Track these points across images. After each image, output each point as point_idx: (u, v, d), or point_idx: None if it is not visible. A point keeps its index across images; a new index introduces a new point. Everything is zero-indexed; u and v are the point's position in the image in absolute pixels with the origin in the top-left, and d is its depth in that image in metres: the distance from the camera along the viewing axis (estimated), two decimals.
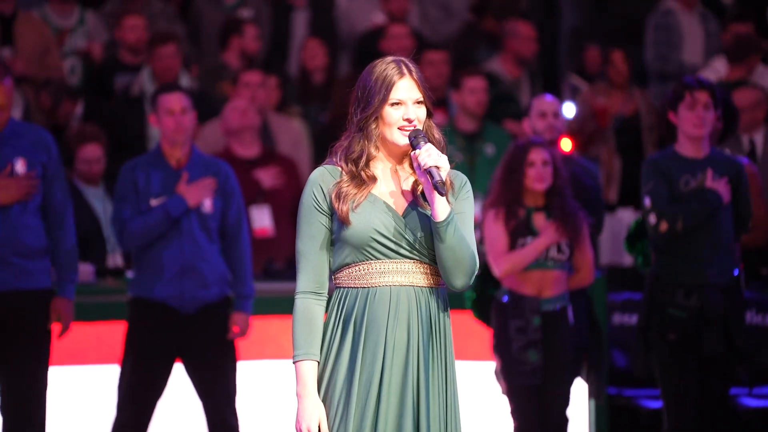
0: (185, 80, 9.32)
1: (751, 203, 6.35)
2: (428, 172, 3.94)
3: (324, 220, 4.05)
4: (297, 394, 4.02)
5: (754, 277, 7.81)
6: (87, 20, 9.96)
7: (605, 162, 9.45)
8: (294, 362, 4.04)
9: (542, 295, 6.30)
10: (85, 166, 7.95)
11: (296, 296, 4.08)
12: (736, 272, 6.25)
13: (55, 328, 6.12)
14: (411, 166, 4.07)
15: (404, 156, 4.08)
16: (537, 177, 6.32)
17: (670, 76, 10.28)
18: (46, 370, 6.05)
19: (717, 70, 9.54)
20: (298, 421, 4.01)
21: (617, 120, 9.88)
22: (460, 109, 9.11)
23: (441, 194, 3.93)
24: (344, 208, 4.00)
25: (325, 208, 4.05)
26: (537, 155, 6.33)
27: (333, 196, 4.02)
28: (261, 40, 9.96)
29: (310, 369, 4.02)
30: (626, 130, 9.87)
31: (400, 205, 4.05)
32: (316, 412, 4.00)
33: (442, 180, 3.93)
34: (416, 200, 4.05)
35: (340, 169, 4.06)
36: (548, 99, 6.99)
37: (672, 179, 6.20)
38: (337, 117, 9.17)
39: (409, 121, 4.02)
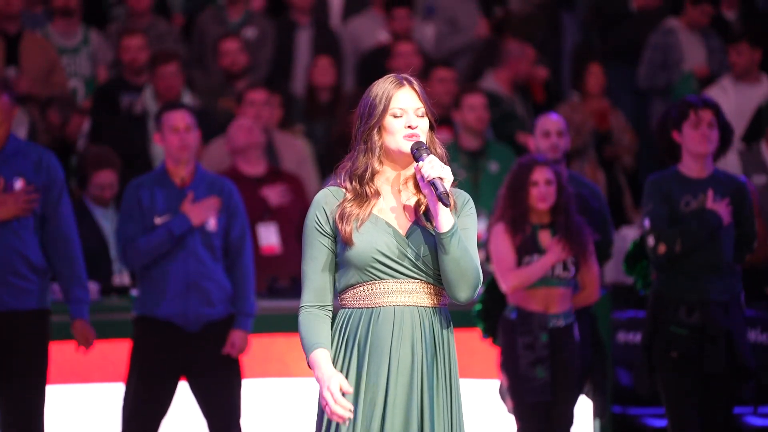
0: (187, 98, 9.35)
1: (755, 223, 6.34)
2: (432, 183, 3.95)
3: (327, 242, 4.06)
4: (316, 379, 4.00)
5: (760, 297, 7.81)
6: (91, 40, 9.98)
7: (589, 176, 9.47)
8: (307, 358, 4.03)
9: (549, 311, 6.31)
10: (98, 191, 7.98)
11: (300, 311, 4.09)
12: (739, 290, 6.25)
13: (70, 346, 6.15)
14: (415, 185, 4.08)
15: (408, 165, 4.08)
16: (540, 197, 6.32)
17: (661, 94, 10.34)
18: (44, 390, 6.04)
19: (725, 88, 9.56)
20: (321, 396, 3.97)
21: (594, 135, 9.94)
22: (463, 127, 9.13)
23: (445, 205, 3.94)
24: (347, 229, 4.01)
25: (328, 230, 4.06)
26: (540, 175, 6.33)
27: (336, 217, 4.03)
28: (247, 53, 9.99)
29: (322, 354, 4.01)
30: (602, 147, 9.93)
31: (403, 224, 4.06)
32: (335, 377, 3.97)
33: (446, 191, 3.94)
34: (419, 220, 4.06)
35: (344, 190, 4.07)
36: (553, 118, 6.92)
37: (673, 200, 6.21)
38: (342, 135, 9.20)
39: (412, 127, 4.03)
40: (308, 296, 4.08)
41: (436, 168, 3.95)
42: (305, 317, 4.08)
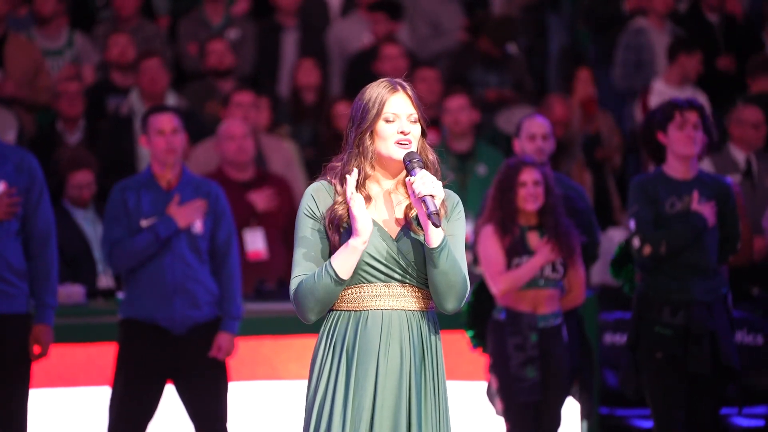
0: (172, 99, 9.34)
1: (739, 224, 6.36)
2: (422, 200, 3.94)
3: (318, 227, 4.03)
4: (355, 231, 3.95)
5: (745, 297, 7.82)
6: (75, 42, 9.97)
7: (576, 177, 9.47)
8: (334, 271, 3.94)
9: (538, 312, 6.32)
10: (75, 192, 7.96)
11: (292, 284, 4.00)
12: (724, 291, 6.27)
13: (56, 350, 6.10)
14: (405, 189, 4.07)
15: (399, 172, 4.07)
16: (528, 197, 6.33)
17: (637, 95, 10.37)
18: (26, 395, 6.00)
19: (660, 91, 9.61)
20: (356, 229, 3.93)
21: (584, 137, 9.95)
22: (448, 129, 9.13)
23: (435, 225, 3.91)
24: (336, 238, 4.01)
25: (319, 216, 4.04)
26: (528, 175, 6.33)
27: (327, 221, 4.02)
28: (232, 53, 10.00)
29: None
30: (590, 148, 9.95)
31: (393, 229, 4.05)
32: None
33: (436, 210, 3.91)
34: (409, 225, 4.05)
35: (334, 188, 4.05)
36: (539, 120, 6.86)
37: (658, 201, 6.22)
38: (328, 137, 9.19)
39: (404, 133, 4.02)
40: (298, 271, 4.01)
41: (428, 185, 3.93)
42: (301, 281, 3.98)
